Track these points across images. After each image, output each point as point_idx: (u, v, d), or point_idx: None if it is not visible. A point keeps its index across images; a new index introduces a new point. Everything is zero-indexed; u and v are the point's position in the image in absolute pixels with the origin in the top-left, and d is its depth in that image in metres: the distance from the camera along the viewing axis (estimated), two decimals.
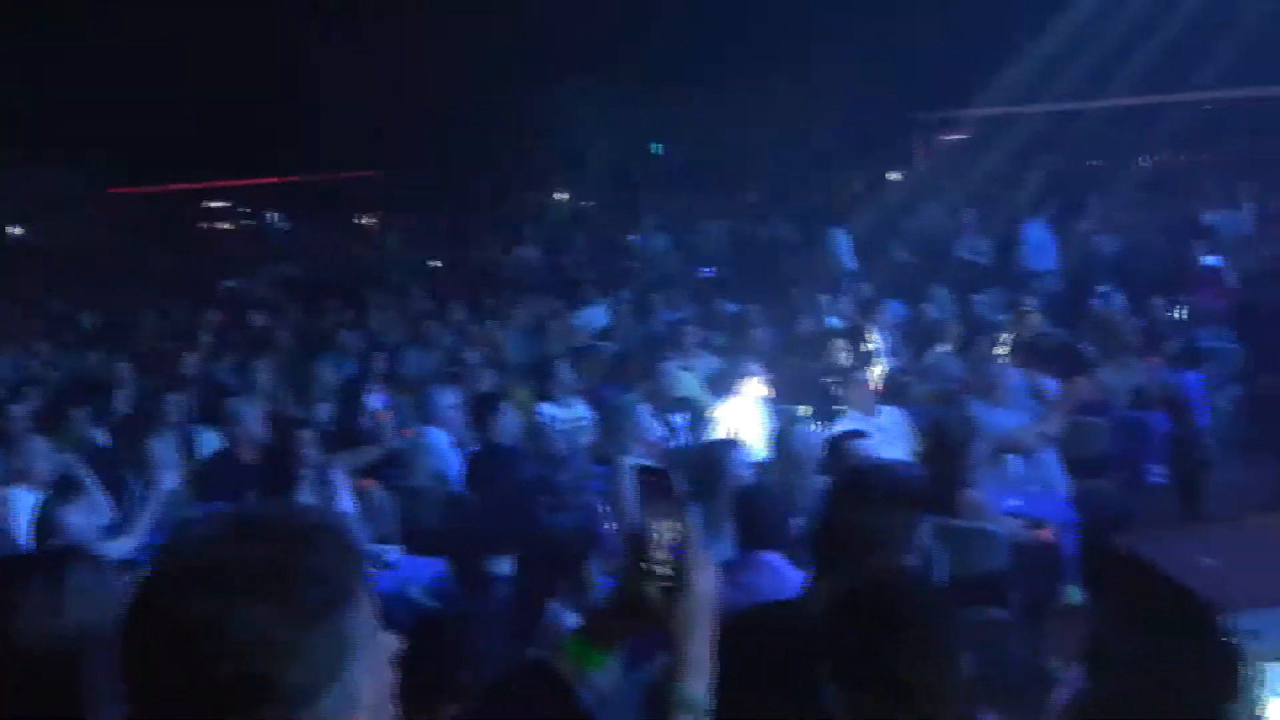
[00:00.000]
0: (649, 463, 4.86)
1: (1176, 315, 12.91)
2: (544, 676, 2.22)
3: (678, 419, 10.03)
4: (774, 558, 4.67)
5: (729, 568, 4.69)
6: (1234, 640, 2.83)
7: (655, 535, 2.15)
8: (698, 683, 2.15)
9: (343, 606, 1.65)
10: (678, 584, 2.14)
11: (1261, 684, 2.83)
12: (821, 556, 3.36)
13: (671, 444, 9.50)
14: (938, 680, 2.56)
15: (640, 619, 2.20)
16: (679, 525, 2.15)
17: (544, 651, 2.29)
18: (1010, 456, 8.54)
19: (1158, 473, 9.99)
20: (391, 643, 1.77)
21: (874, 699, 2.51)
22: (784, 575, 4.49)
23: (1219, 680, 2.82)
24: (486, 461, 8.54)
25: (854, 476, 3.60)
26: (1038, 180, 18.08)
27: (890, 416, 9.15)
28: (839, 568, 3.19)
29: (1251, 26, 17.90)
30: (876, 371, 10.46)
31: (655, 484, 2.18)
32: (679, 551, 2.14)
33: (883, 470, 3.84)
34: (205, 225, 34.81)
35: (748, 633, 2.96)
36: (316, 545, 1.66)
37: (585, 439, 9.56)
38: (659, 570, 2.15)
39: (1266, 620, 2.86)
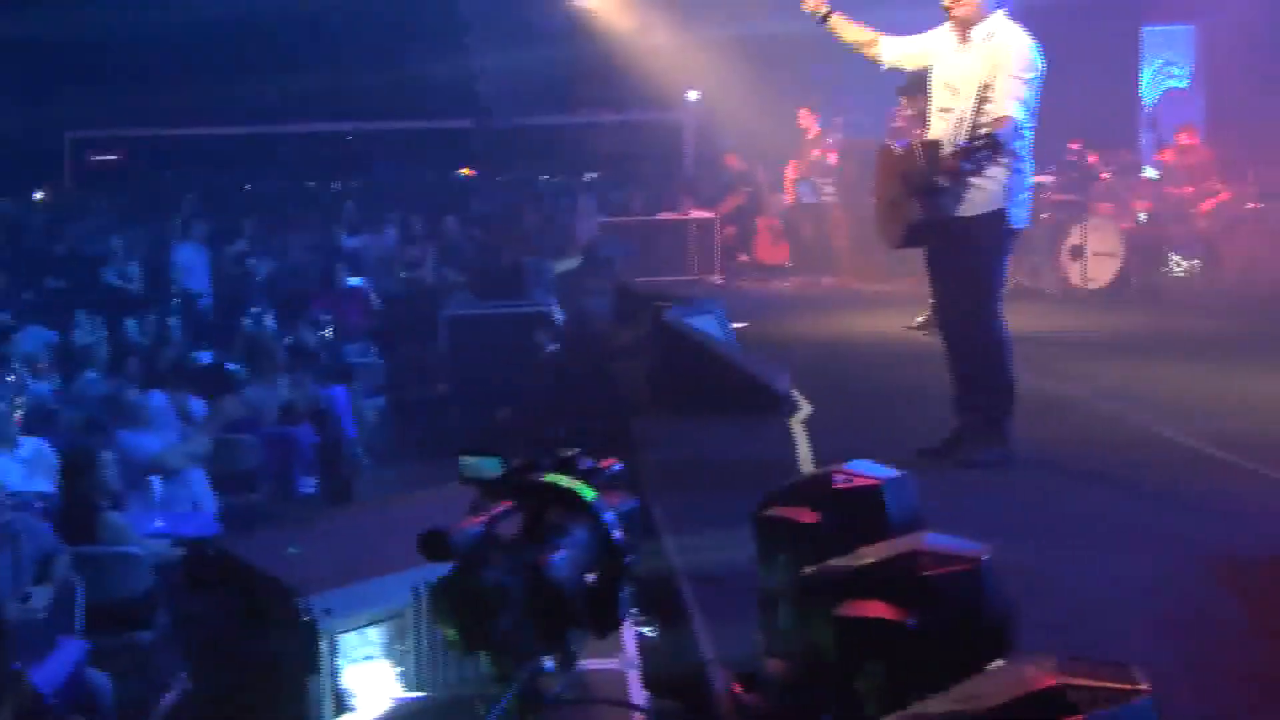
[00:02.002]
0: None
1: (324, 333, 13.41)
2: None
3: None
4: None
5: None
6: (311, 618, 2.99)
7: None
8: None
9: None
10: None
11: (337, 654, 3.01)
12: None
13: None
14: None
15: None
16: None
17: None
18: (156, 478, 8.47)
19: (308, 484, 10.32)
20: None
21: None
22: None
23: (300, 656, 2.97)
24: None
25: None
26: (191, 202, 18.03)
27: (33, 447, 8.72)
28: None
29: (395, 64, 19.09)
30: (19, 401, 9.94)
31: None
32: None
33: None
34: None
35: None
36: None
37: None
38: None
39: (339, 598, 3.05)
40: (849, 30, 6.62)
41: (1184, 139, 15.16)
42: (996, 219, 6.16)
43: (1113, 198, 14.63)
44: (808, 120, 16.17)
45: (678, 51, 18.48)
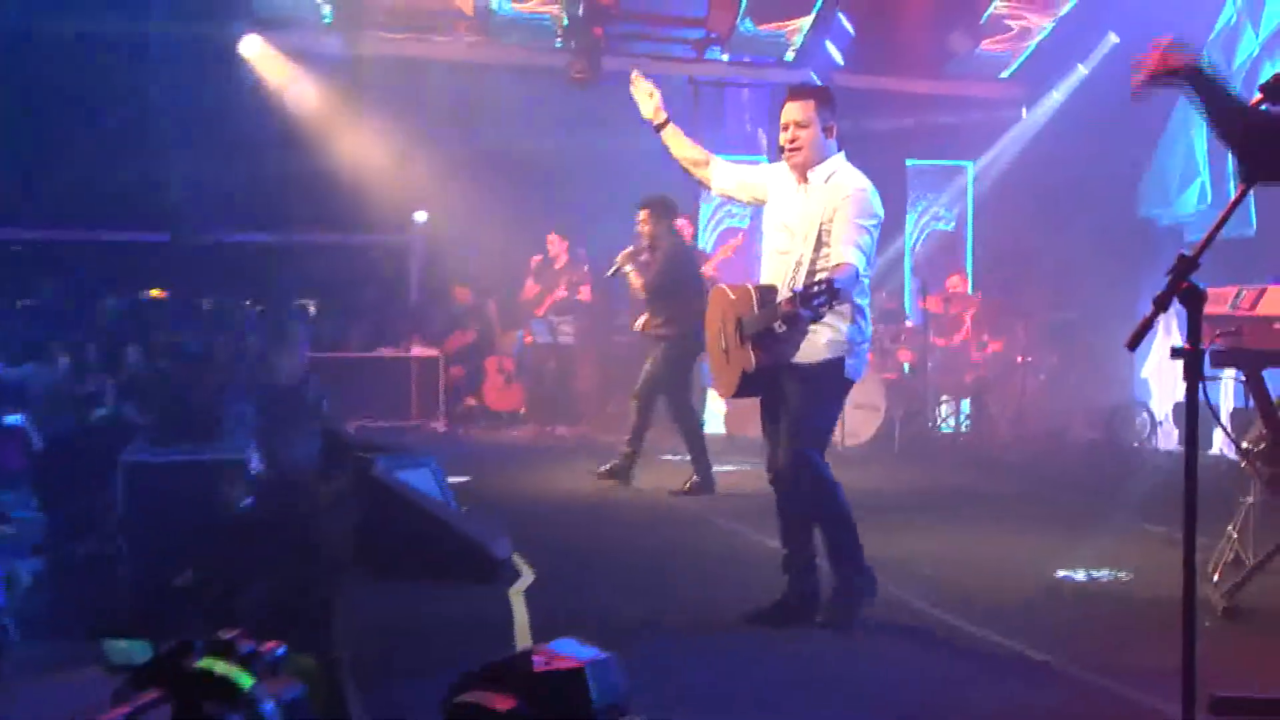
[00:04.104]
0: None
1: None
2: None
3: None
4: None
5: None
6: None
7: None
8: None
9: None
10: None
11: None
12: None
13: None
14: None
15: None
16: None
17: None
18: None
19: None
20: None
21: None
22: None
23: None
24: None
25: None
26: None
27: None
28: None
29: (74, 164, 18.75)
30: None
31: None
32: None
33: None
34: None
35: None
36: None
37: None
38: None
39: None
40: (681, 145, 6.92)
41: (953, 284, 16.04)
42: (835, 368, 6.52)
43: (875, 347, 15.36)
44: (557, 247, 16.48)
45: (405, 167, 18.65)
